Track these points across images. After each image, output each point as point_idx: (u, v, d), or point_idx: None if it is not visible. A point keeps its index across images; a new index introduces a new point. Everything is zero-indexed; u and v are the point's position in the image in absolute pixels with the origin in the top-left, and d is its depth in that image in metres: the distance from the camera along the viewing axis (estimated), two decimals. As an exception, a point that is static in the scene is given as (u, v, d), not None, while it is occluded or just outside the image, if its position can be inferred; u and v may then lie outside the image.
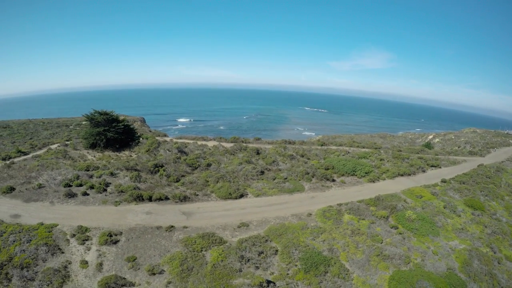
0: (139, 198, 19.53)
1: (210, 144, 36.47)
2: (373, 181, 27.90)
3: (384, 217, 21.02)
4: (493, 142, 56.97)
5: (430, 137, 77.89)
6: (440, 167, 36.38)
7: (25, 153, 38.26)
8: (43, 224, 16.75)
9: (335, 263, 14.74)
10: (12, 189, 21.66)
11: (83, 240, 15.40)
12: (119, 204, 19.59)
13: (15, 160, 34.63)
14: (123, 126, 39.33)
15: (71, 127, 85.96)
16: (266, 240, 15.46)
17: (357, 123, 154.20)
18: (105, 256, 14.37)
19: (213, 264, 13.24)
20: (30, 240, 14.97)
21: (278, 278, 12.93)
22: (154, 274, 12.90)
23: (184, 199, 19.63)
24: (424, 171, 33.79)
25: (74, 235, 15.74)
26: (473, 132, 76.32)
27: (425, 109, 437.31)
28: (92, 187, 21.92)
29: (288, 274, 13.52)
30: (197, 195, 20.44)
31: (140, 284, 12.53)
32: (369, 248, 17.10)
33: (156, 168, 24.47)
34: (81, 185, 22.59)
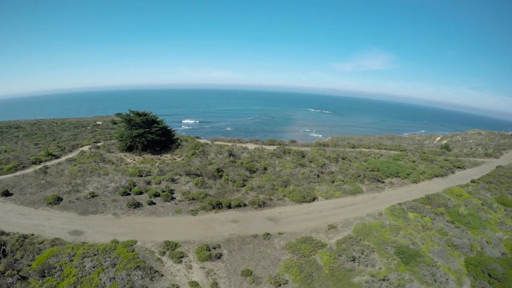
0: (218, 206, 19.09)
1: (250, 146, 37.43)
2: (416, 182, 29.67)
3: (441, 214, 22.90)
4: (503, 144, 60.09)
5: (438, 138, 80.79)
6: (465, 168, 38.55)
7: (56, 156, 36.66)
8: (118, 241, 14.58)
9: (423, 255, 16.41)
10: (59, 199, 19.52)
11: (179, 258, 13.65)
12: (197, 213, 18.73)
13: (48, 164, 32.97)
14: (162, 128, 38.88)
15: (88, 127, 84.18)
16: (360, 240, 16.64)
17: (362, 124, 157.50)
18: (215, 273, 13.09)
19: (329, 267, 14.08)
20: (115, 264, 12.42)
21: (387, 272, 14.26)
22: (279, 285, 12.67)
23: (263, 204, 19.87)
24: (453, 172, 35.85)
25: (164, 253, 13.98)
26: (478, 133, 79.69)
27: (427, 110, 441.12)
28: (156, 195, 20.55)
29: (391, 267, 14.85)
30: (272, 199, 20.89)
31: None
32: (441, 240, 19.18)
33: (219, 173, 24.48)
34: (141, 193, 21.05)
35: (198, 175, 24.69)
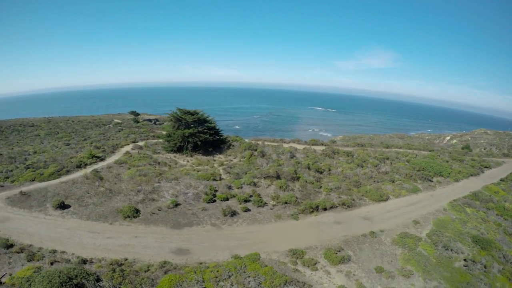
0: (316, 209, 20.19)
1: (296, 146, 39.82)
2: (457, 181, 32.81)
3: (492, 208, 26.10)
4: (514, 143, 64.25)
5: (448, 138, 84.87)
6: (491, 168, 41.98)
7: (100, 158, 34.33)
8: (240, 256, 13.82)
9: (494, 241, 19.49)
10: (137, 211, 17.72)
11: (314, 265, 14.05)
12: (298, 217, 19.19)
13: (95, 167, 30.80)
14: (214, 127, 38.59)
15: (110, 126, 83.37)
16: (443, 232, 19.14)
17: (369, 123, 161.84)
18: (354, 274, 13.97)
19: (433, 256, 16.57)
20: (260, 283, 11.52)
21: (474, 256, 17.16)
22: (409, 276, 14.57)
23: (351, 205, 21.62)
24: (482, 172, 39.31)
25: (296, 262, 14.14)
26: (485, 133, 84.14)
27: (430, 109, 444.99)
28: (247, 201, 20.33)
29: (475, 253, 17.60)
30: (354, 200, 22.76)
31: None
32: (498, 230, 22.34)
33: (297, 175, 25.91)
34: (227, 199, 20.47)
35: (275, 178, 25.37)
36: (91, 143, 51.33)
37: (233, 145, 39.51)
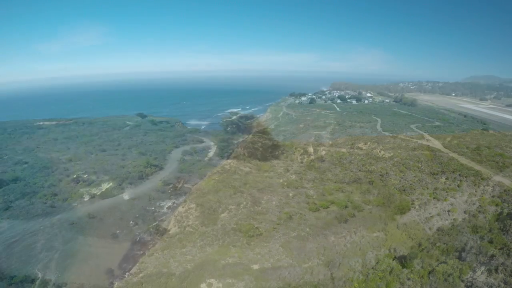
0: (405, 209, 24.91)
1: (342, 150, 43.97)
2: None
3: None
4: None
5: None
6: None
7: (159, 167, 34.10)
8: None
9: None
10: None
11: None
12: (394, 218, 23.99)
13: (157, 176, 31.16)
14: (269, 132, 42.15)
15: (129, 128, 79.70)
16: None
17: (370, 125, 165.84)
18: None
19: None
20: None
21: None
22: None
23: (422, 204, 26.42)
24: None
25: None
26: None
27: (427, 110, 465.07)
28: (346, 206, 24.38)
29: None
30: (419, 199, 27.60)
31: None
32: None
33: (370, 179, 30.36)
34: (327, 206, 23.91)
35: (354, 182, 29.20)
36: (129, 148, 49.98)
37: (286, 150, 41.82)
